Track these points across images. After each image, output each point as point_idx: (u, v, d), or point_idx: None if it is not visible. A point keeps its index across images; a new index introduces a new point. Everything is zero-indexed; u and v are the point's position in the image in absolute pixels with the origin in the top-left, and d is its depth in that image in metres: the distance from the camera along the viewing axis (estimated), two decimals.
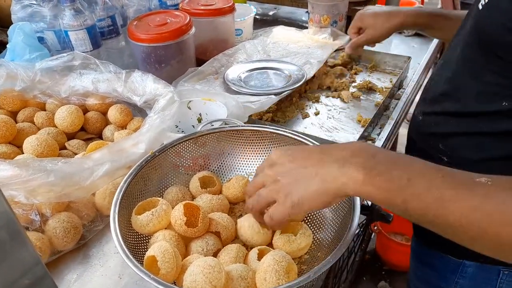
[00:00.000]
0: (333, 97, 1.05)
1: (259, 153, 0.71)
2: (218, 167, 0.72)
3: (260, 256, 0.54)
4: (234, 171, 0.72)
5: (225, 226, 0.59)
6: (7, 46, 0.95)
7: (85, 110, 0.87)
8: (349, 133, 0.92)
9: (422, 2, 2.11)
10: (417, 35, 1.36)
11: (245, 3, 1.45)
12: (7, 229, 0.31)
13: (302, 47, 1.17)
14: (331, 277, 1.02)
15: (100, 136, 0.87)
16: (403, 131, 1.37)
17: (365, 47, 1.04)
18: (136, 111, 0.89)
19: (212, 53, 1.12)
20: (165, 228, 0.58)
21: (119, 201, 0.57)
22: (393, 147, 1.71)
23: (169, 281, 0.49)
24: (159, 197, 0.62)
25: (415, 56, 1.14)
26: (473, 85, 0.57)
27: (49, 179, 0.58)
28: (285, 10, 1.65)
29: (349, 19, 1.33)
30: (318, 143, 0.63)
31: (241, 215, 0.65)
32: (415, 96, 1.11)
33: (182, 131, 0.87)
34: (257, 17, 1.58)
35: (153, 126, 0.69)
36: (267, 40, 1.21)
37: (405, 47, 1.31)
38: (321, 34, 1.21)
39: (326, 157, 0.47)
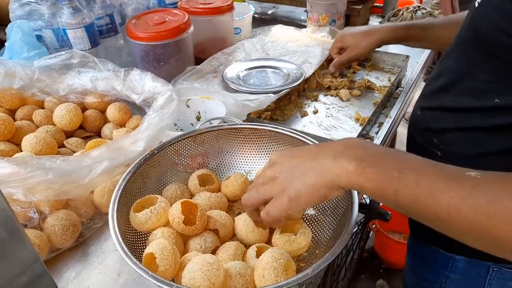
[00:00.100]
0: (332, 95, 1.05)
1: (257, 151, 0.72)
2: (216, 165, 0.73)
3: (258, 253, 0.54)
4: (233, 169, 0.73)
5: (223, 224, 0.59)
6: (5, 44, 0.95)
7: (84, 108, 0.87)
8: (347, 131, 0.92)
9: (421, 2, 2.11)
10: None
11: (244, 1, 1.45)
12: (6, 227, 0.31)
13: (300, 46, 1.17)
14: (329, 274, 1.02)
15: (98, 134, 0.87)
16: (401, 130, 1.37)
17: None
18: (135, 109, 0.89)
19: (210, 52, 1.12)
20: (164, 226, 0.59)
21: (117, 199, 0.57)
22: (392, 146, 1.71)
23: (168, 278, 0.49)
24: (158, 195, 0.63)
25: (413, 55, 1.15)
26: (467, 82, 0.57)
27: (47, 177, 0.58)
28: (284, 9, 1.65)
29: (347, 18, 1.33)
30: (317, 142, 0.63)
31: (239, 213, 0.65)
32: (413, 95, 1.12)
33: (181, 129, 0.87)
34: (255, 15, 1.58)
35: (152, 124, 0.69)
36: (266, 39, 1.21)
37: (403, 46, 1.30)
38: (319, 32, 1.21)
39: (321, 153, 0.47)
